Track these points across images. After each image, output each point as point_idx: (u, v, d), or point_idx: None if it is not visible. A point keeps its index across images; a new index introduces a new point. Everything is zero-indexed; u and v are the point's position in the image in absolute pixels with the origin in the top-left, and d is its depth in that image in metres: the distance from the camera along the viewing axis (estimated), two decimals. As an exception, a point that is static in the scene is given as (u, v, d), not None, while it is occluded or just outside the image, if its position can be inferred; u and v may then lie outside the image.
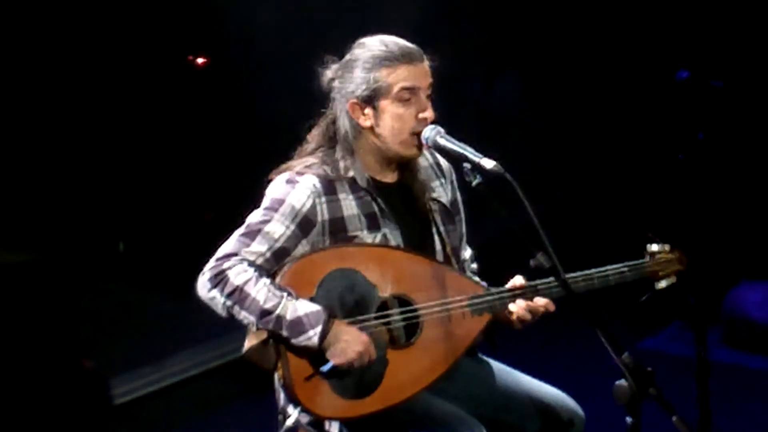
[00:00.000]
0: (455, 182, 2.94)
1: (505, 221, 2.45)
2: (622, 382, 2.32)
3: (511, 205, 2.46)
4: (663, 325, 5.62)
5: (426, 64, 2.73)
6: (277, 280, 2.63)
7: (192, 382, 4.95)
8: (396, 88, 2.68)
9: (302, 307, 2.59)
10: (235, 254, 2.63)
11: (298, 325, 2.58)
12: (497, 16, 6.67)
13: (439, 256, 2.83)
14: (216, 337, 5.02)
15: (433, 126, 2.69)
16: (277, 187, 2.71)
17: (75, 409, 4.42)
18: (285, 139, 2.88)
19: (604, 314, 2.38)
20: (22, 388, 4.29)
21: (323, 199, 2.70)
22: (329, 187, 2.71)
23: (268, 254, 2.64)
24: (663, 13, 6.43)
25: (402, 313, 2.70)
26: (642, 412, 2.33)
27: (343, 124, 2.74)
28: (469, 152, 2.60)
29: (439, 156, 2.91)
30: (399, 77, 2.68)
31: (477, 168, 2.56)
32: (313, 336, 2.58)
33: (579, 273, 2.80)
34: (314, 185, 2.70)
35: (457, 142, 2.65)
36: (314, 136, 2.81)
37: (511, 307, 2.77)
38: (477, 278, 2.94)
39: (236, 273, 2.61)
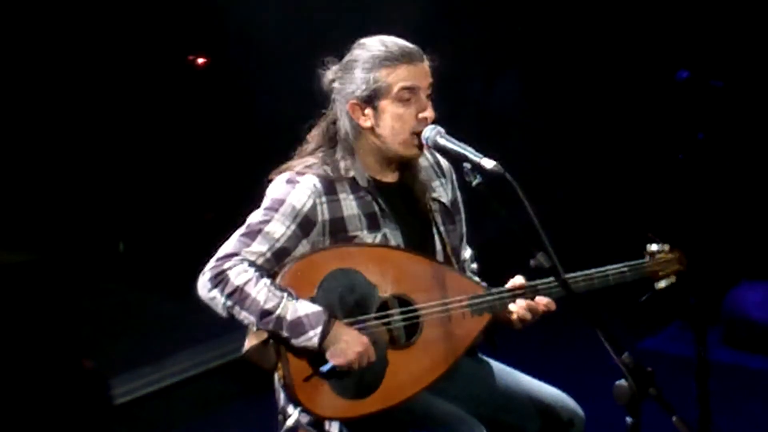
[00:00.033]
0: (455, 182, 2.94)
1: (505, 221, 2.45)
2: (622, 382, 2.32)
3: (511, 205, 2.46)
4: (663, 325, 5.62)
5: (426, 64, 2.73)
6: (278, 280, 2.63)
7: (192, 382, 4.95)
8: (396, 88, 2.68)
9: (302, 308, 2.59)
10: (236, 254, 2.63)
11: (299, 326, 2.58)
12: (497, 16, 6.67)
13: (440, 256, 2.83)
14: (216, 337, 5.02)
15: (433, 126, 2.69)
16: (277, 187, 2.71)
17: (75, 409, 4.42)
18: (285, 139, 2.88)
19: (604, 314, 2.38)
20: (22, 388, 4.29)
21: (324, 199, 2.70)
22: (329, 187, 2.72)
23: (268, 254, 2.64)
24: (663, 13, 6.43)
25: (402, 313, 2.70)
26: (642, 412, 2.33)
27: (344, 124, 2.74)
28: (469, 152, 2.60)
29: (439, 156, 2.91)
30: (399, 77, 2.69)
31: (477, 168, 2.56)
32: (313, 337, 2.58)
33: (579, 273, 2.80)
34: (315, 185, 2.70)
35: (457, 142, 2.65)
36: (314, 137, 2.81)
37: (512, 306, 2.77)
38: (477, 278, 2.94)
39: (237, 273, 2.61)
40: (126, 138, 5.37)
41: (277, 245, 2.65)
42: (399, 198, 2.80)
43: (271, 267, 2.65)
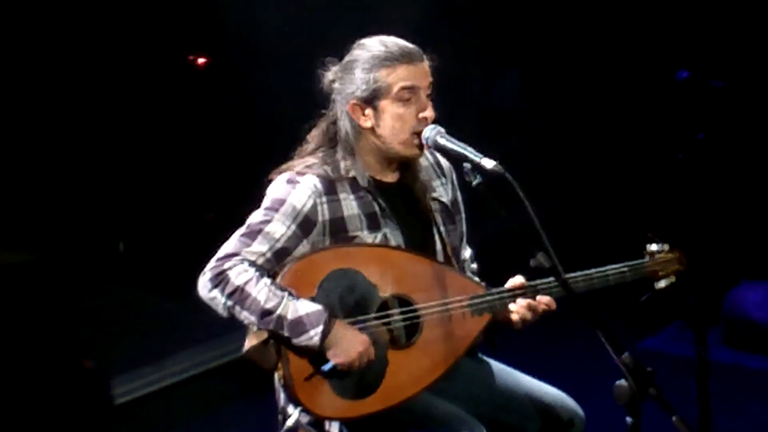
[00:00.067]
0: (456, 182, 2.94)
1: (505, 221, 2.45)
2: (622, 382, 2.32)
3: (511, 205, 2.46)
4: (663, 325, 5.62)
5: (426, 63, 2.74)
6: (278, 280, 2.63)
7: (192, 382, 4.95)
8: (396, 88, 2.68)
9: (303, 307, 2.60)
10: (236, 254, 2.63)
11: (299, 325, 2.58)
12: (497, 16, 6.67)
13: (440, 256, 2.83)
14: (216, 337, 5.02)
15: (433, 126, 2.70)
16: (277, 187, 2.71)
17: (75, 409, 4.42)
18: (285, 139, 2.88)
19: (604, 314, 2.38)
20: (22, 387, 4.29)
21: (324, 199, 2.70)
22: (330, 187, 2.72)
23: (268, 254, 2.64)
24: (663, 13, 6.43)
25: (402, 313, 2.70)
26: (642, 412, 2.33)
27: (344, 125, 2.74)
28: (470, 152, 2.60)
29: (439, 155, 2.91)
30: (399, 77, 2.69)
31: (477, 168, 2.56)
32: (314, 336, 2.58)
33: (579, 273, 2.80)
34: (315, 185, 2.70)
35: (457, 142, 2.65)
36: (314, 137, 2.81)
37: (512, 306, 2.77)
38: (477, 278, 2.94)
39: (237, 273, 2.61)
40: (126, 138, 5.37)
41: (278, 245, 2.65)
42: (399, 198, 2.80)
43: (271, 267, 2.65)
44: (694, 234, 4.79)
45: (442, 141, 2.66)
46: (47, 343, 4.50)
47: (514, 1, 6.75)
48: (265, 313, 2.59)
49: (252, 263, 2.62)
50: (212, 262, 2.64)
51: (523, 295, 2.77)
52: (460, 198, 2.95)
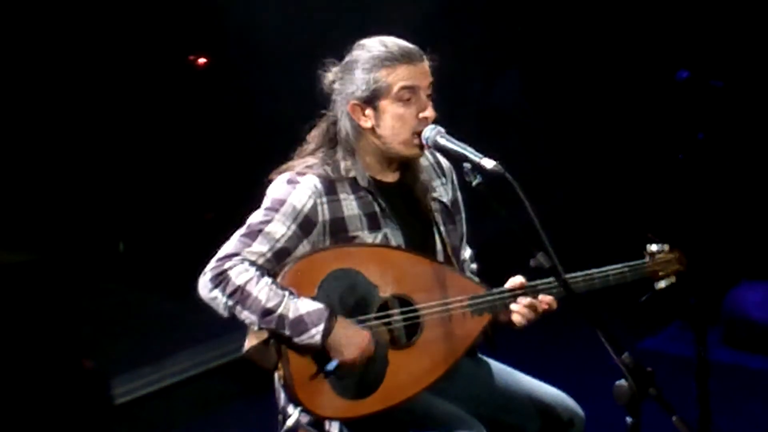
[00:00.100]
0: (456, 182, 2.94)
1: (505, 221, 2.45)
2: (622, 382, 2.32)
3: (511, 205, 2.46)
4: (663, 325, 5.61)
5: (426, 63, 2.74)
6: (278, 280, 2.63)
7: (192, 382, 4.95)
8: (396, 88, 2.68)
9: (304, 306, 2.60)
10: (236, 254, 2.63)
11: (301, 324, 2.58)
12: (497, 16, 6.67)
13: (440, 256, 2.83)
14: (216, 337, 5.02)
15: (433, 126, 2.70)
16: (278, 187, 2.71)
17: (75, 409, 4.42)
18: (285, 139, 2.88)
19: (604, 314, 2.38)
20: (22, 387, 4.29)
21: (324, 199, 2.70)
22: (330, 188, 2.72)
23: (269, 254, 2.64)
24: (663, 13, 6.43)
25: (402, 313, 2.70)
26: (642, 412, 2.33)
27: (344, 125, 2.74)
28: (470, 152, 2.60)
29: (439, 155, 2.91)
30: (399, 77, 2.69)
31: (477, 168, 2.56)
32: (315, 334, 2.58)
33: (579, 273, 2.80)
34: (315, 185, 2.70)
35: (457, 142, 2.65)
36: (314, 137, 2.81)
37: (513, 306, 2.77)
38: (477, 278, 2.94)
39: (237, 273, 2.61)
40: (126, 138, 5.37)
41: (278, 245, 2.65)
42: (399, 198, 2.80)
43: (271, 267, 2.65)
44: (694, 234, 4.79)
45: (442, 141, 2.66)
46: (47, 343, 4.50)
47: (514, 1, 6.75)
48: (266, 313, 2.59)
49: (252, 263, 2.62)
50: (212, 263, 2.64)
51: (523, 296, 2.77)
52: (460, 198, 2.95)
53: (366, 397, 2.66)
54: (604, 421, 2.97)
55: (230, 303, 2.61)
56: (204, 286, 2.64)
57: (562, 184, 6.95)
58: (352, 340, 2.61)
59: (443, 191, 2.90)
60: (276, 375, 2.70)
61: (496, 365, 2.95)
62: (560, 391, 2.93)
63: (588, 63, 6.77)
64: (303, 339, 2.59)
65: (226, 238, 2.68)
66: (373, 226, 2.74)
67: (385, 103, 2.69)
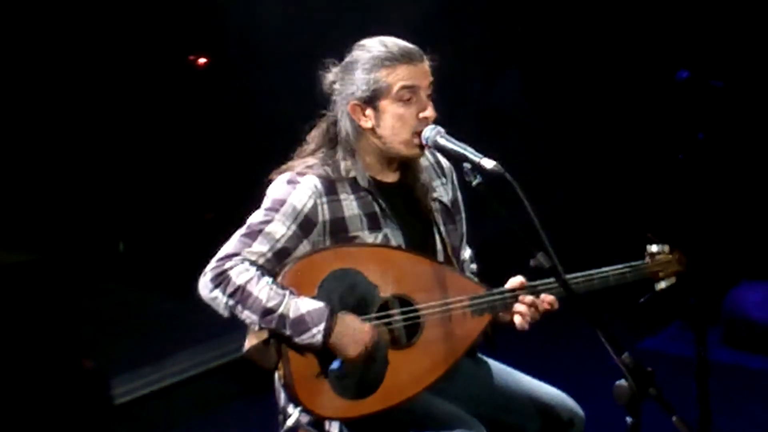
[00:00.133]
0: (456, 182, 2.94)
1: (505, 221, 2.45)
2: (622, 382, 2.32)
3: (511, 205, 2.46)
4: (663, 325, 5.62)
5: (426, 63, 2.74)
6: (278, 280, 2.63)
7: (192, 382, 4.95)
8: (396, 88, 2.68)
9: (305, 305, 2.60)
10: (237, 254, 2.63)
11: (301, 324, 2.58)
12: (497, 16, 6.67)
13: (440, 256, 2.83)
14: (216, 337, 5.02)
15: (433, 126, 2.70)
16: (278, 188, 2.71)
17: (75, 409, 4.42)
18: (285, 139, 2.88)
19: (604, 314, 2.38)
20: (22, 387, 4.29)
21: (324, 199, 2.70)
22: (330, 188, 2.72)
23: (269, 254, 2.64)
24: (663, 13, 6.43)
25: (403, 313, 2.70)
26: (642, 412, 2.33)
27: (345, 125, 2.74)
28: (469, 152, 2.61)
29: (439, 155, 2.91)
30: (399, 77, 2.69)
31: (477, 168, 2.56)
32: (316, 334, 2.58)
33: (579, 273, 2.80)
34: (315, 185, 2.70)
35: (457, 142, 2.65)
36: (314, 137, 2.81)
37: (516, 306, 2.76)
38: (477, 278, 2.94)
39: (238, 273, 2.61)
40: (126, 138, 5.37)
41: (278, 245, 2.65)
42: (400, 198, 2.80)
43: (272, 267, 2.65)
44: (694, 234, 4.79)
45: (442, 141, 2.66)
46: (47, 343, 4.50)
47: (514, 1, 6.75)
48: (267, 312, 2.59)
49: (253, 263, 2.63)
50: (213, 263, 2.64)
51: (524, 296, 2.77)
52: (460, 198, 2.96)
53: (366, 397, 2.66)
54: (604, 421, 2.97)
55: (231, 303, 2.61)
56: (204, 286, 2.64)
57: (562, 184, 6.95)
58: (354, 336, 2.61)
59: (443, 191, 2.90)
60: (276, 375, 2.70)
61: (496, 365, 2.96)
62: (560, 391, 2.93)
63: (588, 63, 6.77)
64: (304, 338, 2.59)
65: (226, 238, 2.68)
66: (374, 226, 2.74)
67: (385, 103, 2.69)
